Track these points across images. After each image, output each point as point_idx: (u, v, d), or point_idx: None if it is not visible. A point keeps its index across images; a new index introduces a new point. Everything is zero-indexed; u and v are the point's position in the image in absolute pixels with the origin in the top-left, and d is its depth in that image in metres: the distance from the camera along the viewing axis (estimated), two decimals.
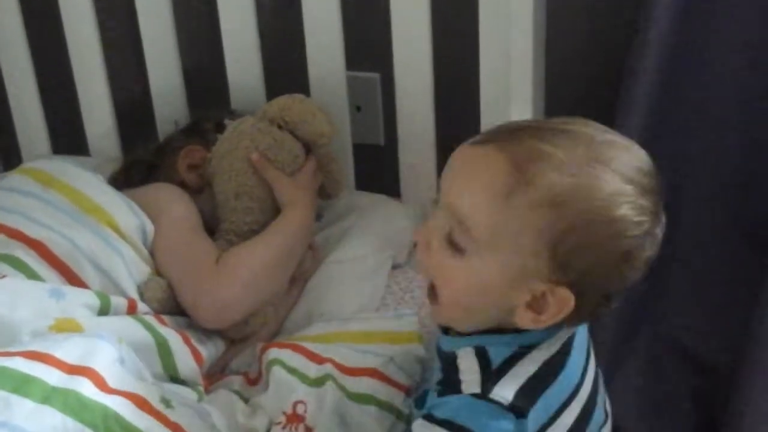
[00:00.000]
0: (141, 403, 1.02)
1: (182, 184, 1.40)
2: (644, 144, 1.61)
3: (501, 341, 1.00)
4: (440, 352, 1.07)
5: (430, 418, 0.98)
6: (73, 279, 1.20)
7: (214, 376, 1.28)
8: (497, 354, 0.99)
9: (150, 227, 1.29)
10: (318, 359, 1.23)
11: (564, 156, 0.94)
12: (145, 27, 1.58)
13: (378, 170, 1.66)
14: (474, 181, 0.97)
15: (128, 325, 1.16)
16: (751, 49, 1.53)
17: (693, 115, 1.61)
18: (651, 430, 1.81)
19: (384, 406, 1.18)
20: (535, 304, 0.97)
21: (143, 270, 1.27)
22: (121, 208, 1.29)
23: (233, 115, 1.49)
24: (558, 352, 1.01)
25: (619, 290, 1.00)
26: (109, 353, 1.04)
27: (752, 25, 1.51)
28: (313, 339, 1.29)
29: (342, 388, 1.19)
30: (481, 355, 1.00)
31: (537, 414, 0.98)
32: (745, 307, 1.66)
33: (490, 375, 0.98)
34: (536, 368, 0.99)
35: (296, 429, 1.16)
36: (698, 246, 1.74)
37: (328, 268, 1.41)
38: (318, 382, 1.20)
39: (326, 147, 1.46)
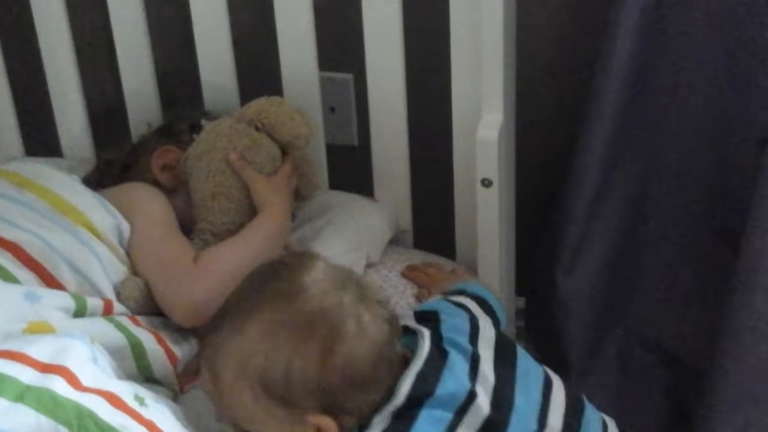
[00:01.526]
0: (115, 400, 1.02)
1: (156, 185, 1.41)
2: (615, 141, 1.64)
3: None
4: None
5: None
6: (49, 280, 1.20)
7: (189, 376, 1.28)
8: None
9: (126, 226, 1.30)
10: None
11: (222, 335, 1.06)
12: (117, 29, 1.58)
13: (352, 170, 1.67)
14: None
15: (102, 328, 1.16)
16: (727, 44, 1.55)
17: (664, 111, 1.63)
18: (625, 425, 1.83)
19: None
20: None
21: (120, 270, 1.27)
22: (96, 208, 1.29)
23: (207, 116, 1.49)
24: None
25: (364, 372, 1.03)
26: (82, 352, 1.04)
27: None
28: None
29: None
30: None
31: None
32: (715, 301, 1.69)
33: None
34: None
35: None
36: (668, 242, 1.77)
37: None
38: None
39: (303, 149, 1.47)
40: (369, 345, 1.03)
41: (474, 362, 1.09)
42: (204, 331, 1.10)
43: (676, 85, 1.60)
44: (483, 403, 1.06)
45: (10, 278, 1.18)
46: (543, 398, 1.12)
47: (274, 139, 1.44)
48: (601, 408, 1.78)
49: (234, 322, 1.05)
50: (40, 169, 1.34)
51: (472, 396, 1.06)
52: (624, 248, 1.78)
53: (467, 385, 1.07)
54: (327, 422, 1.03)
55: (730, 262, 1.64)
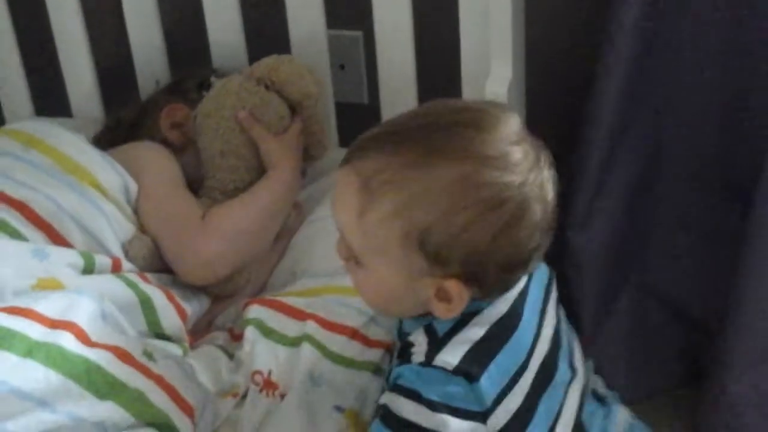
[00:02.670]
0: (123, 355, 1.03)
1: (164, 143, 1.41)
2: (624, 98, 1.63)
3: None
4: (400, 333, 1.10)
5: (393, 388, 1.02)
6: (57, 239, 1.20)
7: (199, 332, 1.29)
8: (442, 326, 1.02)
9: (133, 185, 1.30)
10: (300, 315, 1.24)
11: (402, 161, 0.95)
12: None
13: (361, 128, 1.64)
14: (339, 203, 1.01)
15: (111, 284, 1.17)
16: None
17: (677, 63, 1.62)
18: (637, 383, 1.83)
19: (361, 365, 1.19)
20: (443, 295, 0.99)
21: (127, 228, 1.27)
22: (103, 167, 1.29)
23: (215, 74, 1.49)
24: (507, 315, 1.02)
25: (522, 256, 0.99)
26: (90, 308, 1.05)
27: None
28: (297, 294, 1.29)
29: (320, 346, 1.20)
30: (429, 329, 1.03)
31: (492, 378, 1.00)
32: (728, 257, 1.68)
33: (435, 344, 1.01)
34: (482, 333, 1.01)
35: (272, 395, 1.18)
36: (680, 198, 1.75)
37: (312, 226, 1.42)
38: (295, 342, 1.21)
39: (312, 108, 1.46)
40: (540, 234, 0.99)
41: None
42: (379, 130, 1.03)
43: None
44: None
45: (18, 236, 1.18)
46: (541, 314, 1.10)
47: (283, 98, 1.43)
48: (612, 365, 1.80)
49: (421, 155, 0.95)
50: (47, 128, 1.34)
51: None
52: (636, 205, 1.77)
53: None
54: (460, 289, 0.97)
55: (743, 218, 1.63)
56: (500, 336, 1.02)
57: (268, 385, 1.18)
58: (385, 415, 1.01)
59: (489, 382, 0.99)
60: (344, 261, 1.04)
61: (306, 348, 1.20)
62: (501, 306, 1.02)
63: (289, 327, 1.23)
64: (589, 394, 1.15)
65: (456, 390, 0.98)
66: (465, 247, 0.95)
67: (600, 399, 1.17)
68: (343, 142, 1.62)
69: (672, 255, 1.80)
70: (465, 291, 0.98)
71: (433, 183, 0.94)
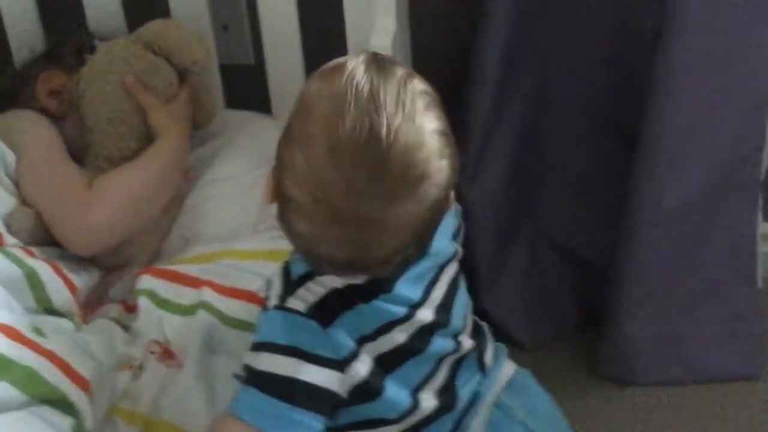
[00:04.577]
0: (10, 332, 1.00)
1: (43, 112, 1.35)
2: (512, 45, 1.63)
3: (301, 258, 1.01)
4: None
5: (252, 345, 1.01)
6: None
7: (91, 306, 1.25)
8: (296, 270, 1.02)
9: (11, 156, 1.25)
10: (194, 283, 1.22)
11: None
12: None
13: (248, 90, 1.63)
14: None
15: None
16: None
17: (560, 10, 1.63)
18: (535, 329, 1.86)
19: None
20: None
21: (8, 201, 1.23)
22: None
23: (91, 39, 1.44)
24: (366, 285, 1.00)
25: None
26: None
27: None
28: (190, 261, 1.27)
29: (217, 312, 1.19)
30: (285, 272, 1.03)
31: (343, 328, 1.00)
32: (617, 200, 1.71)
33: (288, 288, 1.01)
34: (334, 288, 1.00)
35: (170, 364, 1.16)
36: (569, 145, 1.78)
37: (203, 189, 1.39)
38: (190, 311, 1.19)
39: (200, 75, 1.44)
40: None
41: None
42: None
43: None
44: None
45: None
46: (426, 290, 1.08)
47: (171, 64, 1.39)
48: (511, 314, 1.82)
49: None
50: None
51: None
52: (525, 155, 1.78)
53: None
54: None
55: (628, 160, 1.66)
56: (355, 296, 1.01)
57: (166, 355, 1.16)
58: (247, 372, 1.00)
59: (341, 332, 0.99)
60: None
61: (202, 315, 1.18)
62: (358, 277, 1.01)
63: (184, 295, 1.21)
64: (473, 363, 1.15)
65: (309, 333, 0.98)
66: None
67: (484, 368, 1.17)
68: (230, 104, 1.59)
69: (562, 201, 1.83)
70: None
71: None
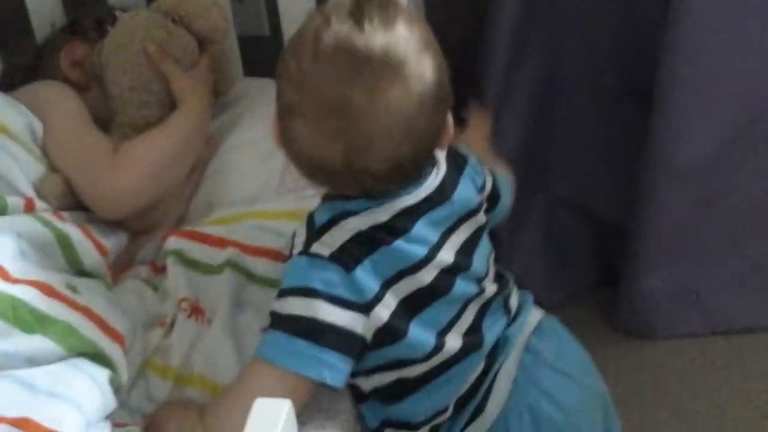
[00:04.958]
0: (47, 290, 1.02)
1: (66, 82, 1.38)
2: (523, 8, 1.65)
3: (326, 206, 1.06)
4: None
5: (278, 293, 1.05)
6: None
7: (121, 268, 1.28)
8: (320, 218, 1.05)
9: (38, 125, 1.27)
10: (220, 243, 1.25)
11: None
12: None
13: (265, 60, 1.65)
14: None
15: (25, 223, 1.14)
16: None
17: None
18: (555, 288, 1.88)
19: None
20: None
21: (37, 169, 1.25)
22: (5, 109, 1.26)
23: (111, 10, 1.46)
24: (387, 223, 1.04)
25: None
26: (9, 246, 1.04)
27: None
28: (215, 222, 1.30)
29: (244, 270, 1.22)
30: (309, 220, 1.07)
31: (368, 272, 1.03)
32: (633, 160, 1.73)
33: (313, 235, 1.04)
34: (359, 230, 1.04)
35: (200, 320, 1.19)
36: (583, 105, 1.80)
37: (225, 155, 1.42)
38: (217, 270, 1.22)
39: (219, 43, 1.46)
40: (403, 146, 1.00)
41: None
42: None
43: None
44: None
45: None
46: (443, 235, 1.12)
47: (191, 32, 1.42)
48: (531, 274, 1.85)
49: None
50: None
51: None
52: (540, 116, 1.80)
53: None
54: None
55: (643, 121, 1.68)
56: (377, 238, 1.04)
57: (196, 312, 1.19)
58: (273, 317, 1.04)
59: (365, 275, 1.03)
60: None
61: (228, 274, 1.21)
62: (379, 215, 1.05)
63: (211, 255, 1.24)
64: (498, 308, 1.18)
65: (332, 276, 1.01)
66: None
67: (509, 312, 1.19)
68: (249, 72, 1.61)
69: (578, 162, 1.85)
70: None
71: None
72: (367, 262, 1.03)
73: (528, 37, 1.73)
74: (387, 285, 1.04)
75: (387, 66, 0.95)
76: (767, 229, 1.78)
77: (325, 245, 1.03)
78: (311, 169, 1.03)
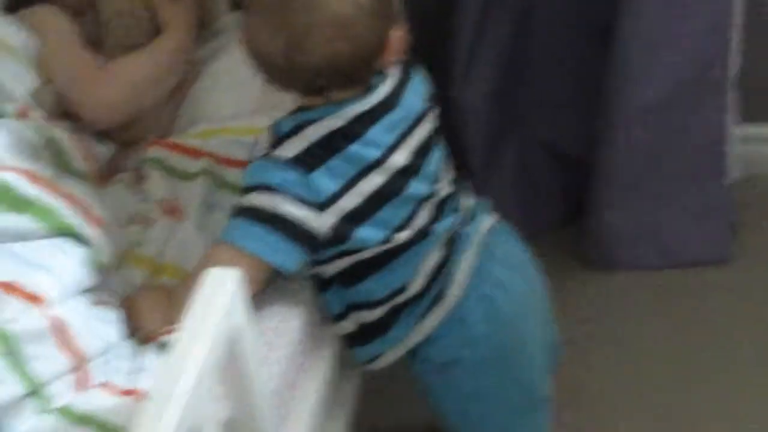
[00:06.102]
0: (33, 176, 1.14)
1: (63, 8, 1.50)
2: None
3: (288, 118, 1.19)
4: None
5: (241, 191, 1.18)
6: None
7: (107, 175, 1.41)
8: (283, 126, 1.18)
9: (35, 42, 1.40)
10: (197, 154, 1.37)
11: None
12: None
13: None
14: None
15: (18, 127, 1.25)
16: None
17: None
18: (526, 223, 1.97)
19: None
20: None
21: (32, 79, 1.38)
22: (6, 27, 1.39)
23: None
24: (343, 128, 1.17)
25: (310, 68, 1.12)
26: (3, 138, 1.16)
27: None
28: (194, 136, 1.42)
29: (216, 177, 1.35)
30: (273, 128, 1.19)
31: (325, 177, 1.15)
32: (597, 99, 1.84)
33: (276, 141, 1.17)
34: (318, 137, 1.16)
35: (175, 218, 1.31)
36: (553, 50, 1.91)
37: (208, 78, 1.55)
38: (192, 177, 1.35)
39: None
40: (340, 42, 1.12)
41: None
42: None
43: None
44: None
45: None
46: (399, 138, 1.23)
47: None
48: (503, 208, 1.95)
49: None
50: None
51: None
52: (513, 61, 1.91)
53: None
54: None
55: (605, 59, 1.79)
56: (334, 144, 1.17)
57: (173, 211, 1.31)
58: (236, 209, 1.17)
59: (321, 178, 1.15)
60: None
61: (201, 180, 1.34)
62: (336, 121, 1.17)
63: (186, 164, 1.36)
64: (449, 208, 1.30)
65: (292, 177, 1.14)
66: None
67: (458, 210, 1.31)
68: (235, 6, 1.72)
69: (548, 103, 1.96)
70: None
71: None
72: (323, 168, 1.15)
73: None
74: (344, 189, 1.16)
75: None
76: (720, 169, 1.88)
77: (286, 150, 1.15)
78: (263, 66, 1.16)
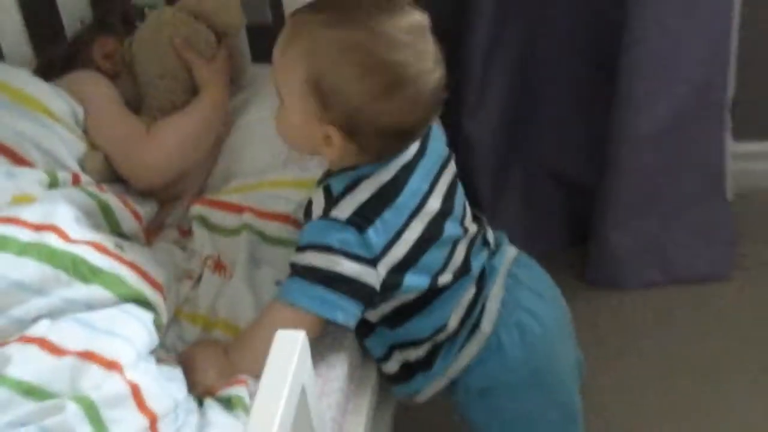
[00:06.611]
0: (100, 248, 1.22)
1: (99, 72, 1.58)
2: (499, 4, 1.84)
3: (341, 176, 1.26)
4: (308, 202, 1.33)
5: (299, 247, 1.25)
6: (19, 161, 1.38)
7: (152, 233, 1.49)
8: (337, 186, 1.25)
9: (79, 110, 1.47)
10: (237, 209, 1.44)
11: (321, 18, 1.19)
12: None
13: (270, 47, 1.83)
14: (278, 42, 1.24)
15: (74, 195, 1.34)
16: None
17: None
18: (532, 245, 2.07)
19: (292, 243, 1.38)
20: (329, 141, 1.22)
21: (80, 147, 1.45)
22: (52, 96, 1.46)
23: (135, 8, 1.66)
24: (391, 181, 1.26)
25: (402, 125, 1.21)
26: (66, 212, 1.24)
27: None
28: (232, 191, 1.50)
29: (258, 232, 1.42)
30: (327, 190, 1.27)
31: (378, 232, 1.23)
32: (600, 127, 1.94)
33: (330, 202, 1.25)
34: (369, 195, 1.24)
35: (223, 275, 1.39)
36: (559, 84, 2.00)
37: (239, 132, 1.62)
38: (235, 232, 1.42)
39: (236, 36, 1.67)
40: (422, 109, 1.21)
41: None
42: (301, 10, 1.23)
43: None
44: None
45: None
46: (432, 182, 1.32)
47: (210, 27, 1.62)
48: (510, 232, 2.04)
49: (333, 17, 1.18)
50: None
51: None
52: (519, 92, 2.01)
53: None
54: (339, 138, 1.20)
55: (610, 94, 1.88)
56: (385, 198, 1.25)
57: (219, 267, 1.39)
58: (293, 268, 1.25)
59: (375, 234, 1.23)
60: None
61: (245, 235, 1.41)
62: (386, 174, 1.26)
63: (229, 220, 1.44)
64: (480, 243, 1.39)
65: (349, 237, 1.22)
66: (347, 99, 1.18)
67: (489, 245, 1.41)
68: (255, 59, 1.80)
69: (553, 132, 2.06)
70: (343, 141, 1.21)
71: (333, 40, 1.17)
72: (378, 222, 1.23)
73: (505, 27, 1.92)
74: (393, 240, 1.25)
75: None
76: (719, 189, 1.99)
77: (342, 210, 1.23)
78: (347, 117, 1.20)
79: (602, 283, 2.04)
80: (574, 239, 2.12)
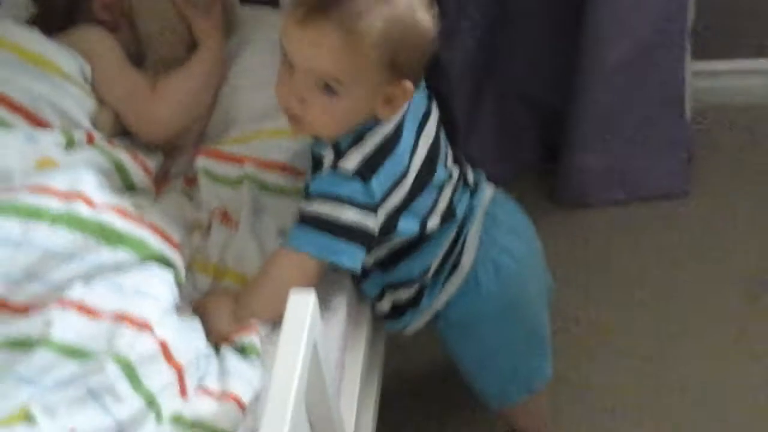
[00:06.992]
0: (123, 213, 1.32)
1: (98, 23, 1.63)
2: None
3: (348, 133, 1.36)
4: (313, 154, 1.44)
5: (307, 196, 1.37)
6: (37, 122, 1.46)
7: (159, 182, 1.58)
8: (344, 142, 1.36)
9: (87, 67, 1.54)
10: (239, 160, 1.53)
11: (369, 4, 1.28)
12: None
13: None
14: (320, 48, 1.29)
15: (90, 155, 1.43)
16: None
17: None
18: (506, 167, 2.21)
19: (292, 192, 1.51)
20: (388, 100, 1.34)
21: (90, 104, 1.53)
22: (60, 55, 1.52)
23: None
24: (391, 133, 1.37)
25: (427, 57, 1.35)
26: (90, 179, 1.33)
27: None
28: (232, 142, 1.58)
29: (259, 182, 1.51)
30: (335, 145, 1.37)
31: (380, 181, 1.35)
32: (571, 55, 2.04)
33: (338, 156, 1.36)
34: (373, 147, 1.35)
35: (229, 225, 1.49)
36: (533, 14, 2.08)
37: (233, 80, 1.68)
38: (238, 183, 1.51)
39: None
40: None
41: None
42: None
43: None
44: None
45: (5, 124, 1.43)
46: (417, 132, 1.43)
47: None
48: (485, 155, 2.17)
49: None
50: (3, 28, 1.55)
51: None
52: (491, 21, 2.08)
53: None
54: (408, 86, 1.32)
55: (579, 24, 1.98)
56: (386, 150, 1.36)
57: (225, 218, 1.50)
58: (301, 215, 1.36)
59: (378, 183, 1.35)
60: (300, 98, 1.33)
61: (247, 185, 1.50)
62: (387, 126, 1.37)
63: (231, 171, 1.53)
64: (461, 186, 1.51)
65: (356, 186, 1.34)
66: (416, 59, 1.33)
67: (469, 186, 1.53)
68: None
69: (526, 59, 2.15)
70: (412, 88, 1.33)
71: (395, 15, 1.28)
72: (381, 172, 1.35)
73: None
74: (392, 188, 1.36)
75: None
76: (679, 109, 2.11)
77: (349, 162, 1.34)
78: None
79: (570, 202, 2.18)
80: (545, 160, 2.24)
